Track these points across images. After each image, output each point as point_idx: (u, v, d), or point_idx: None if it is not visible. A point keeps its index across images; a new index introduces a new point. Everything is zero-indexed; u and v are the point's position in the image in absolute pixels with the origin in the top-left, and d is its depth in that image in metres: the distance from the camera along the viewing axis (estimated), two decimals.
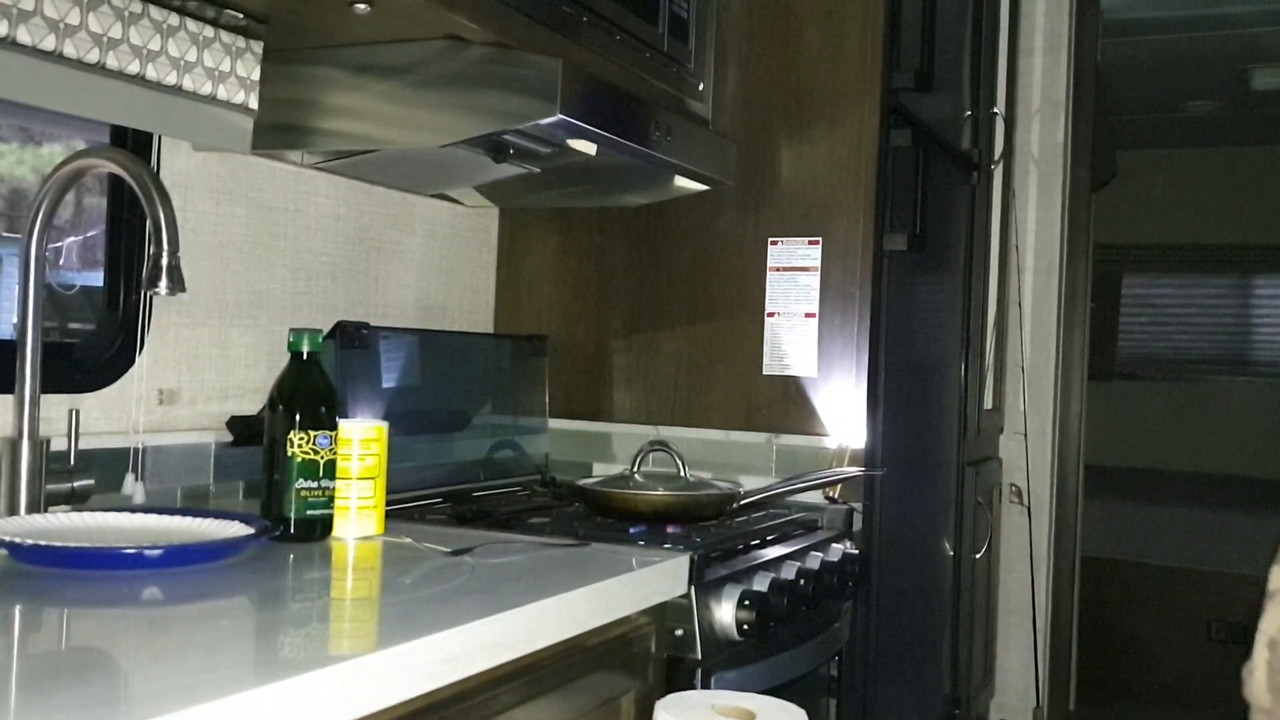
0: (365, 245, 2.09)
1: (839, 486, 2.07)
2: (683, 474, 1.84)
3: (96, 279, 1.69)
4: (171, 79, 1.56)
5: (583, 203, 2.36)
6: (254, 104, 1.69)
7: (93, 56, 1.45)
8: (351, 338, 1.86)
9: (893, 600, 2.29)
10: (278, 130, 1.73)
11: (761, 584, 1.61)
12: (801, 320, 2.18)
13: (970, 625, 3.06)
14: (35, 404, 1.38)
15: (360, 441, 1.48)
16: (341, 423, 1.48)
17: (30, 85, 1.41)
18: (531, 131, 1.68)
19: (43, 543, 1.19)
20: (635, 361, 2.32)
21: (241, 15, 1.59)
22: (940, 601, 2.85)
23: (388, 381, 1.95)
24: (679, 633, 1.50)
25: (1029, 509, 3.47)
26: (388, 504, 1.53)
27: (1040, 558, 3.49)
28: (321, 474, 1.44)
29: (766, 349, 2.20)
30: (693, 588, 1.50)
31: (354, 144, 1.74)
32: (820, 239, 2.17)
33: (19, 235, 1.42)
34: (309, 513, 1.44)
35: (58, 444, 1.42)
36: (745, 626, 1.55)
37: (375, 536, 1.49)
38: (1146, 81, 5.10)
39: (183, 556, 1.24)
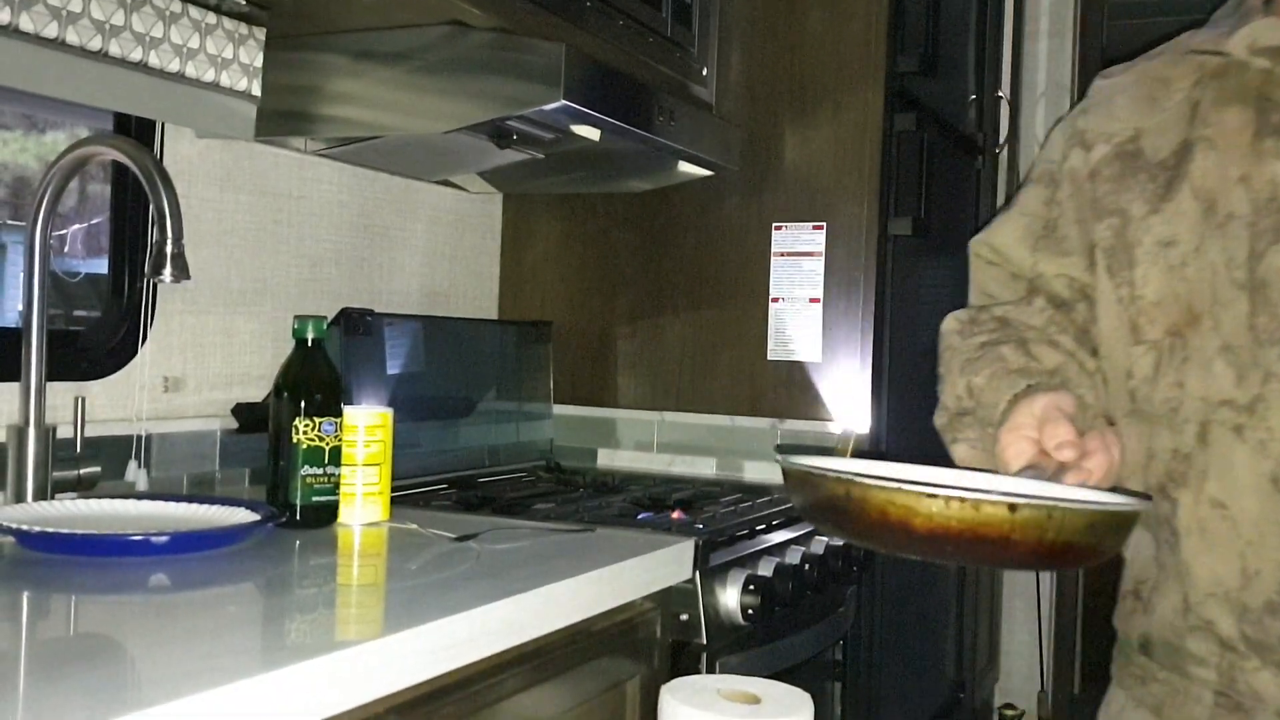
0: (369, 232, 2.09)
1: None
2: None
3: (101, 266, 1.69)
4: (174, 66, 1.56)
5: (586, 188, 2.35)
6: (257, 91, 1.69)
7: (95, 44, 1.45)
8: (356, 324, 1.86)
9: (897, 585, 2.30)
10: (281, 117, 1.72)
11: (766, 569, 1.62)
12: (806, 305, 2.17)
13: (975, 609, 3.07)
14: (41, 392, 1.38)
15: (365, 428, 1.48)
16: (347, 409, 1.49)
17: (33, 73, 1.41)
18: (535, 117, 1.67)
19: (50, 530, 1.20)
20: (640, 347, 2.32)
21: (244, 1, 1.58)
22: (944, 586, 2.85)
23: (392, 368, 1.95)
24: (684, 618, 1.50)
25: None
26: (393, 490, 1.53)
27: None
28: (327, 460, 1.45)
29: (771, 334, 2.20)
30: (698, 573, 1.50)
31: (357, 130, 1.74)
32: (824, 224, 2.17)
33: (24, 223, 1.42)
34: (315, 499, 1.44)
35: (64, 431, 1.43)
36: (750, 611, 1.55)
37: (381, 523, 1.49)
38: None
39: (189, 543, 1.24)
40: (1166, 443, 1.05)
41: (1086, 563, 0.88)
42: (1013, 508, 0.78)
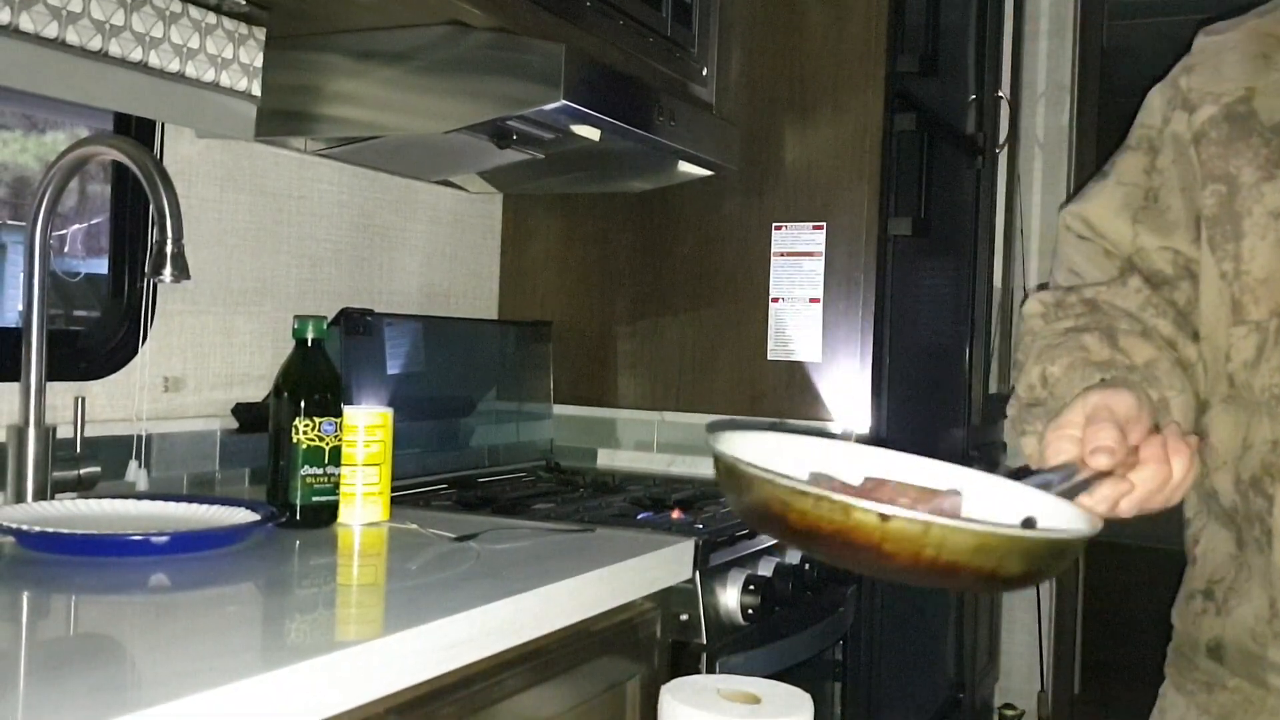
0: (369, 232, 2.08)
1: None
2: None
3: (101, 266, 1.69)
4: (174, 66, 1.56)
5: (586, 188, 2.35)
6: (257, 91, 1.69)
7: (95, 44, 1.45)
8: (356, 324, 1.86)
9: (897, 585, 2.29)
10: (281, 117, 1.72)
11: (766, 569, 1.62)
12: (806, 305, 2.17)
13: (974, 609, 3.07)
14: (41, 392, 1.38)
15: (365, 428, 1.48)
16: (346, 409, 1.49)
17: (33, 73, 1.41)
18: (535, 117, 1.67)
19: (50, 530, 1.20)
20: (640, 347, 2.32)
21: (244, 1, 1.58)
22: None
23: (392, 368, 1.95)
24: (684, 618, 1.50)
25: None
26: (393, 490, 1.53)
27: None
28: (327, 460, 1.45)
29: (771, 334, 2.20)
30: (698, 573, 1.50)
31: (357, 130, 1.74)
32: (824, 224, 2.17)
33: (24, 223, 1.42)
34: (315, 499, 1.44)
35: (64, 431, 1.43)
36: (750, 611, 1.55)
37: (381, 523, 1.49)
38: (1152, 64, 5.07)
39: (189, 543, 1.24)
40: (1266, 433, 0.96)
41: (1003, 587, 0.79)
42: (884, 517, 0.73)
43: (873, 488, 0.83)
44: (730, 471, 0.80)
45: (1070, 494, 0.85)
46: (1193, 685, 1.07)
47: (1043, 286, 1.15)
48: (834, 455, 0.90)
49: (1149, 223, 1.06)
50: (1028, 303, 1.12)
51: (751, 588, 1.55)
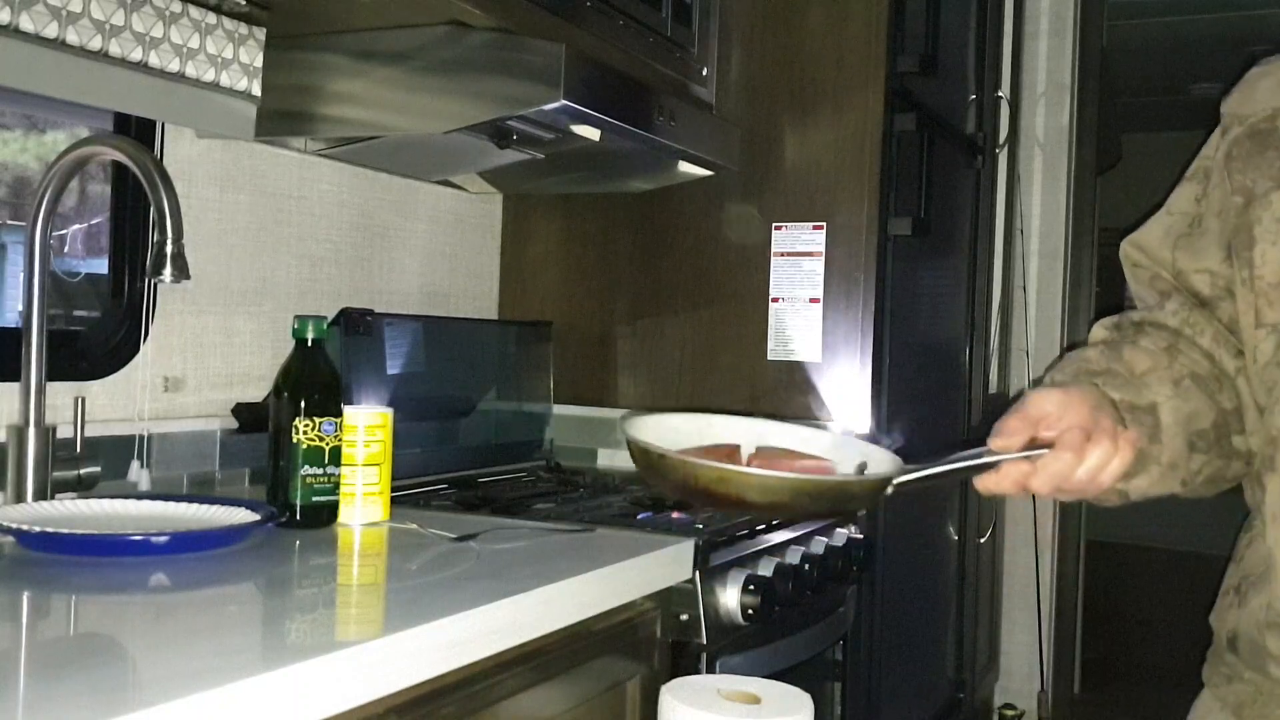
0: (369, 232, 2.09)
1: None
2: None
3: (101, 267, 1.69)
4: (174, 66, 1.56)
5: (586, 188, 2.35)
6: (257, 91, 1.69)
7: (95, 44, 1.45)
8: (356, 324, 1.86)
9: (897, 585, 2.30)
10: (281, 117, 1.72)
11: (766, 569, 1.62)
12: (806, 305, 2.17)
13: (975, 609, 3.07)
14: (41, 392, 1.38)
15: (365, 428, 1.49)
16: (347, 409, 1.49)
17: (33, 73, 1.41)
18: (535, 117, 1.67)
19: (50, 530, 1.20)
20: (639, 347, 2.32)
21: (244, 1, 1.58)
22: (945, 586, 2.85)
23: (393, 368, 1.95)
24: (684, 617, 1.50)
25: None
26: (393, 490, 1.53)
27: (1045, 541, 3.50)
28: (327, 460, 1.45)
29: (771, 334, 2.20)
30: (698, 572, 1.50)
31: (357, 130, 1.74)
32: (824, 224, 2.17)
33: (24, 223, 1.43)
34: (315, 499, 1.44)
35: (64, 431, 1.43)
36: (750, 611, 1.55)
37: (381, 522, 1.49)
38: (1152, 64, 5.08)
39: (189, 543, 1.24)
40: (1272, 428, 0.99)
41: (779, 514, 1.14)
42: (661, 456, 0.95)
43: (754, 454, 1.02)
44: (630, 444, 0.99)
45: (978, 470, 1.01)
46: (1217, 678, 1.09)
47: (1120, 308, 1.22)
48: (767, 433, 1.07)
49: (1187, 248, 1.11)
50: (1093, 329, 1.18)
51: (751, 588, 1.55)
